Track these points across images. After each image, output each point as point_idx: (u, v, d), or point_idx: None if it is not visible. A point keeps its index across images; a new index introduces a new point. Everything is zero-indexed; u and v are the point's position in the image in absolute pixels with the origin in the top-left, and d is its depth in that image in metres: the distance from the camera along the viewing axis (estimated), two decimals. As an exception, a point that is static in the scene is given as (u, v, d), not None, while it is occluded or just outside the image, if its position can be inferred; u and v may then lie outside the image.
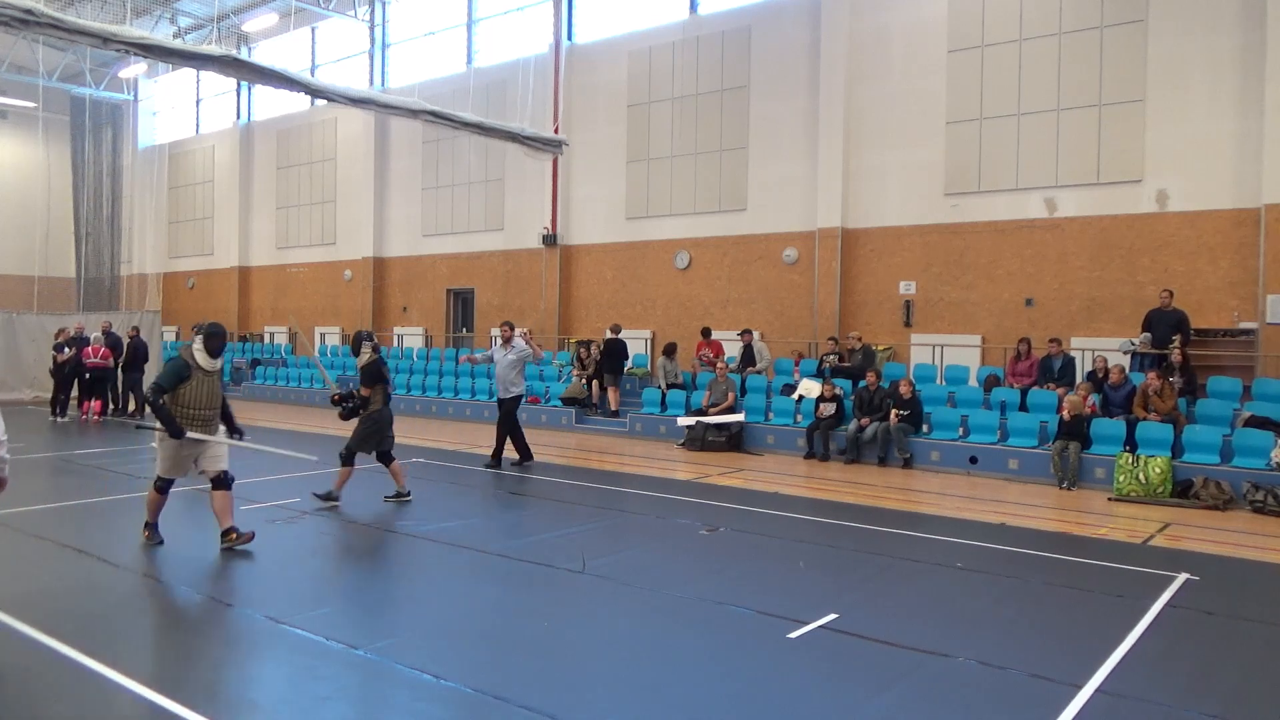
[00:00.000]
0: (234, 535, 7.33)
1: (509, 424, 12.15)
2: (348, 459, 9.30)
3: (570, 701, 4.57)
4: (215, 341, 7.36)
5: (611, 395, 17.35)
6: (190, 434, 7.19)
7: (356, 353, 9.43)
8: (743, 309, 18.69)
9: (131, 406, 18.80)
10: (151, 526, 7.55)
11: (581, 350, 18.29)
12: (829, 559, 7.76)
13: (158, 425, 7.21)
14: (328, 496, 9.23)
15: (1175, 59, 14.13)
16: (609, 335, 17.48)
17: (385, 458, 9.54)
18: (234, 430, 7.73)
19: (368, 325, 25.66)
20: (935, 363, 15.72)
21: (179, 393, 7.17)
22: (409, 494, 9.60)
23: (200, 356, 7.28)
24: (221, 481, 7.39)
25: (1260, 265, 13.37)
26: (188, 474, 7.52)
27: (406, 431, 16.24)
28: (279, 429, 15.35)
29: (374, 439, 9.35)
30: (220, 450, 7.48)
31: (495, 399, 12.54)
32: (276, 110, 28.78)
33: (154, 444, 7.56)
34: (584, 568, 7.01)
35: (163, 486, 7.46)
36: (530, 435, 16.53)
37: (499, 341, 12.34)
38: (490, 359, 12.43)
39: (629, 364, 18.04)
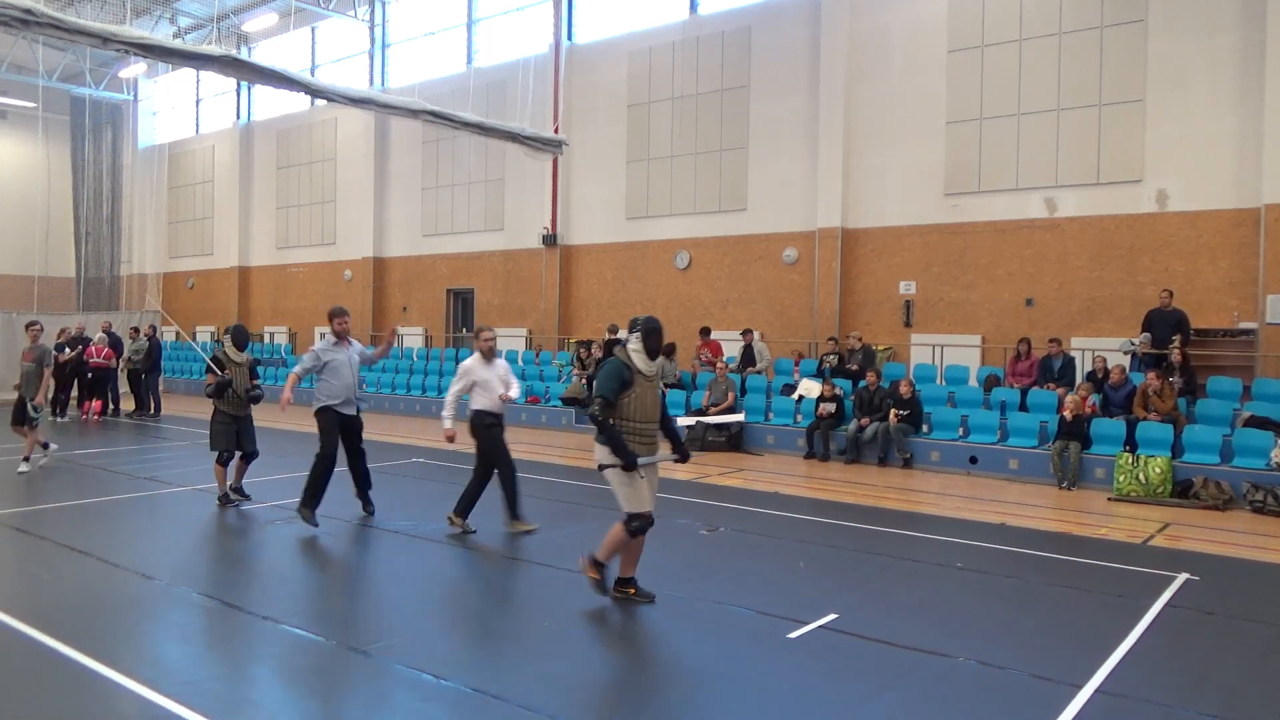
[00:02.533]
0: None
1: (360, 456, 8.76)
2: (219, 458, 9.48)
3: (570, 701, 4.58)
4: (655, 339, 5.90)
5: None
6: (642, 458, 5.87)
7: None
8: (743, 309, 18.68)
9: (153, 408, 18.80)
10: (630, 582, 6.19)
11: (581, 350, 18.29)
12: (829, 559, 7.76)
13: (614, 461, 5.87)
14: (236, 492, 9.54)
15: (1175, 59, 14.13)
16: (608, 336, 17.46)
17: (246, 457, 9.64)
18: (679, 450, 6.22)
19: (368, 325, 25.69)
20: (935, 363, 15.72)
21: (619, 405, 5.85)
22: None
23: (638, 359, 5.87)
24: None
25: (1260, 265, 13.37)
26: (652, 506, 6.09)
27: (406, 432, 16.27)
28: (281, 429, 15.31)
29: (220, 438, 9.35)
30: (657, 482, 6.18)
31: (346, 416, 8.42)
32: (276, 110, 28.78)
33: (606, 476, 6.06)
34: (584, 568, 7.00)
35: (640, 527, 5.95)
36: (531, 435, 16.48)
37: (329, 339, 8.46)
38: (313, 368, 8.35)
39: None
